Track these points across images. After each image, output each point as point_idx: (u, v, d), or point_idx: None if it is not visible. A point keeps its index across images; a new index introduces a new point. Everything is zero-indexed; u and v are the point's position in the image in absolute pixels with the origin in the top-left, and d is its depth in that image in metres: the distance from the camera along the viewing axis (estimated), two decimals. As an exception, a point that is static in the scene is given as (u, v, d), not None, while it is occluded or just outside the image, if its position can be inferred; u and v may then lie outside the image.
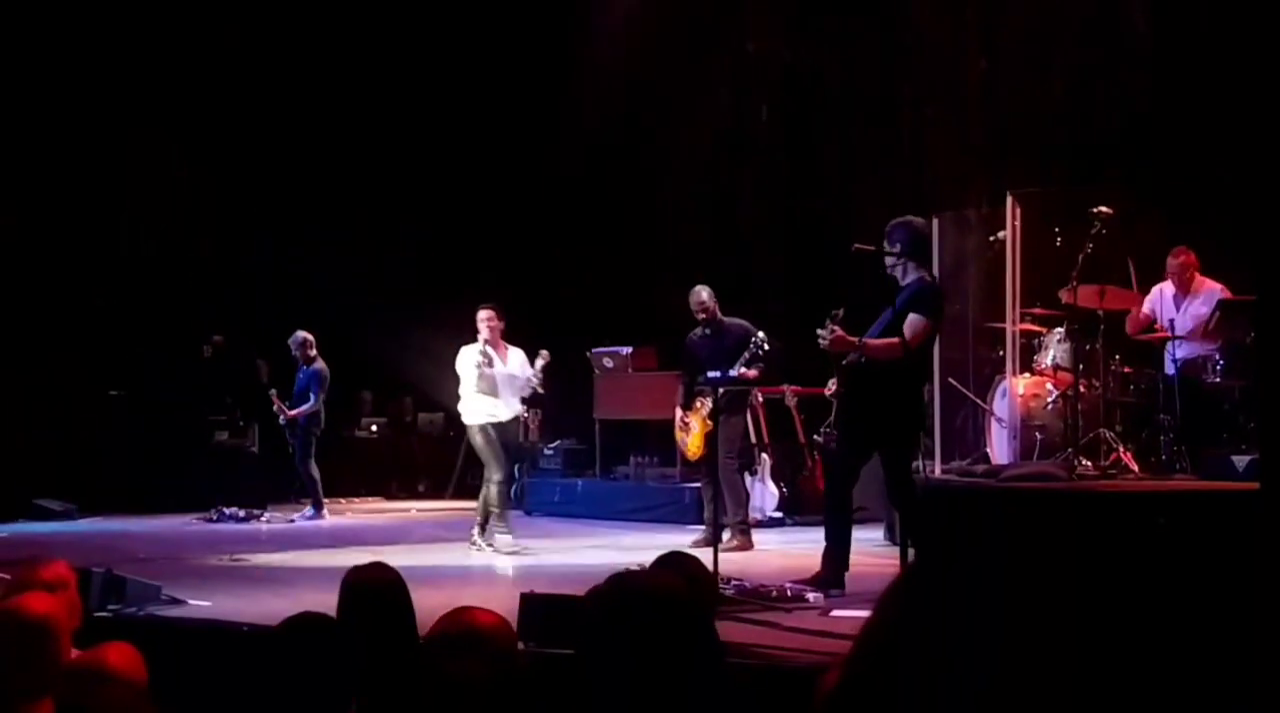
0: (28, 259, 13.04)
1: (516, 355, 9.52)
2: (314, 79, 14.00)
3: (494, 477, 9.31)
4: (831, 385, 7.29)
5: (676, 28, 13.44)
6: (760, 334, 9.02)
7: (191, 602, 6.76)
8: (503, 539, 9.31)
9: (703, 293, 9.45)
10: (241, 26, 13.74)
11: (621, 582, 2.62)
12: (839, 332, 6.81)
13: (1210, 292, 8.75)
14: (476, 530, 9.35)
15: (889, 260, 7.06)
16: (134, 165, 13.78)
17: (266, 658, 3.21)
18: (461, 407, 9.54)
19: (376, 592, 3.77)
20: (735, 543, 9.20)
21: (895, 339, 6.75)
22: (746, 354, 8.96)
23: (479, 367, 9.31)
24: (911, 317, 6.84)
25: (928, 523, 6.67)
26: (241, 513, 11.97)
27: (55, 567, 4.31)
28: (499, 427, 9.40)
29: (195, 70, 13.67)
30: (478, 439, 9.46)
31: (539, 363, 9.44)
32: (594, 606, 2.54)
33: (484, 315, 9.40)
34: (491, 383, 9.37)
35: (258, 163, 14.11)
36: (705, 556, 6.35)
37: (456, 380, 9.43)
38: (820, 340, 6.87)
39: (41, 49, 12.80)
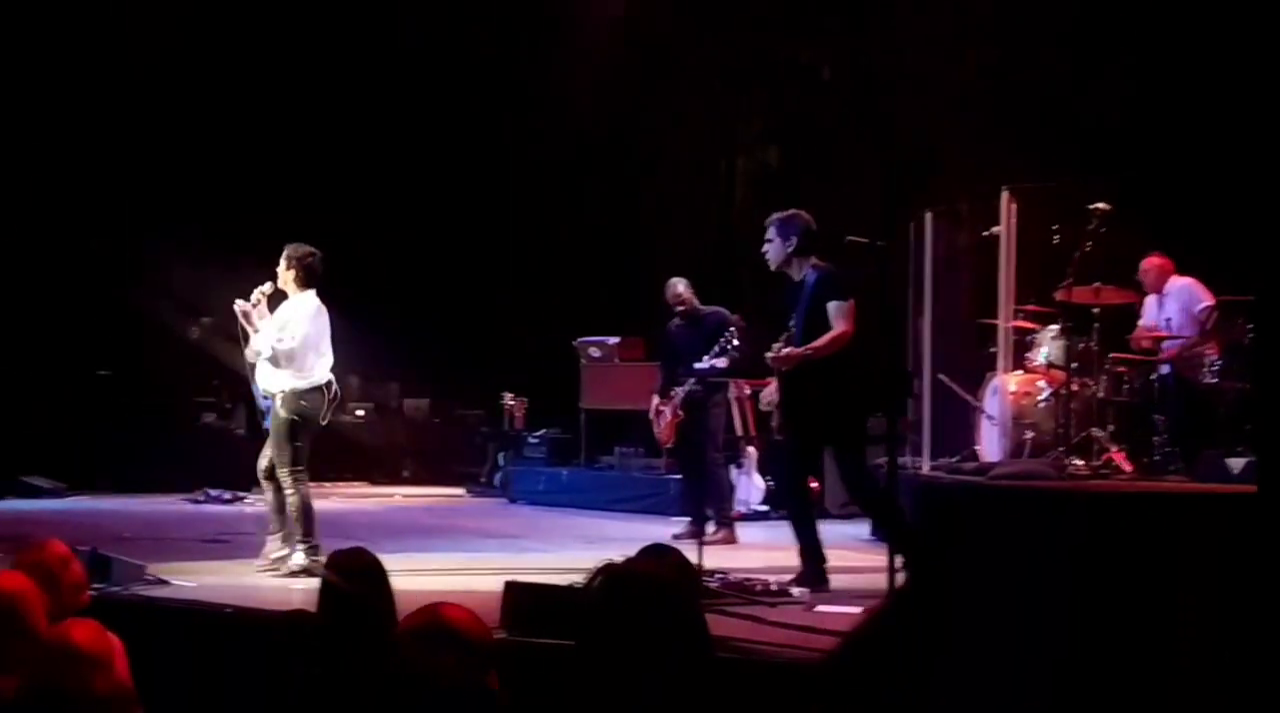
0: (15, 239, 12.96)
1: (276, 316, 7.47)
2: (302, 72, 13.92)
3: None
4: (766, 396, 7.27)
5: (668, 18, 13.40)
6: (731, 328, 8.92)
7: (175, 582, 6.74)
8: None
9: (678, 285, 9.48)
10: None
11: (617, 572, 2.60)
12: (787, 350, 6.78)
13: (1181, 287, 8.73)
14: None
15: (777, 255, 6.96)
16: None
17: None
18: None
19: (356, 576, 3.73)
20: (720, 536, 9.17)
21: (834, 332, 6.69)
22: (717, 347, 8.93)
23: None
24: (836, 304, 6.76)
25: (913, 521, 6.62)
26: (227, 495, 11.93)
27: (53, 546, 4.31)
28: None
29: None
30: None
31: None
32: (592, 596, 2.53)
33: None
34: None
35: (251, 147, 14.02)
36: (689, 548, 6.33)
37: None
38: (769, 360, 6.89)
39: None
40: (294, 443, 7.35)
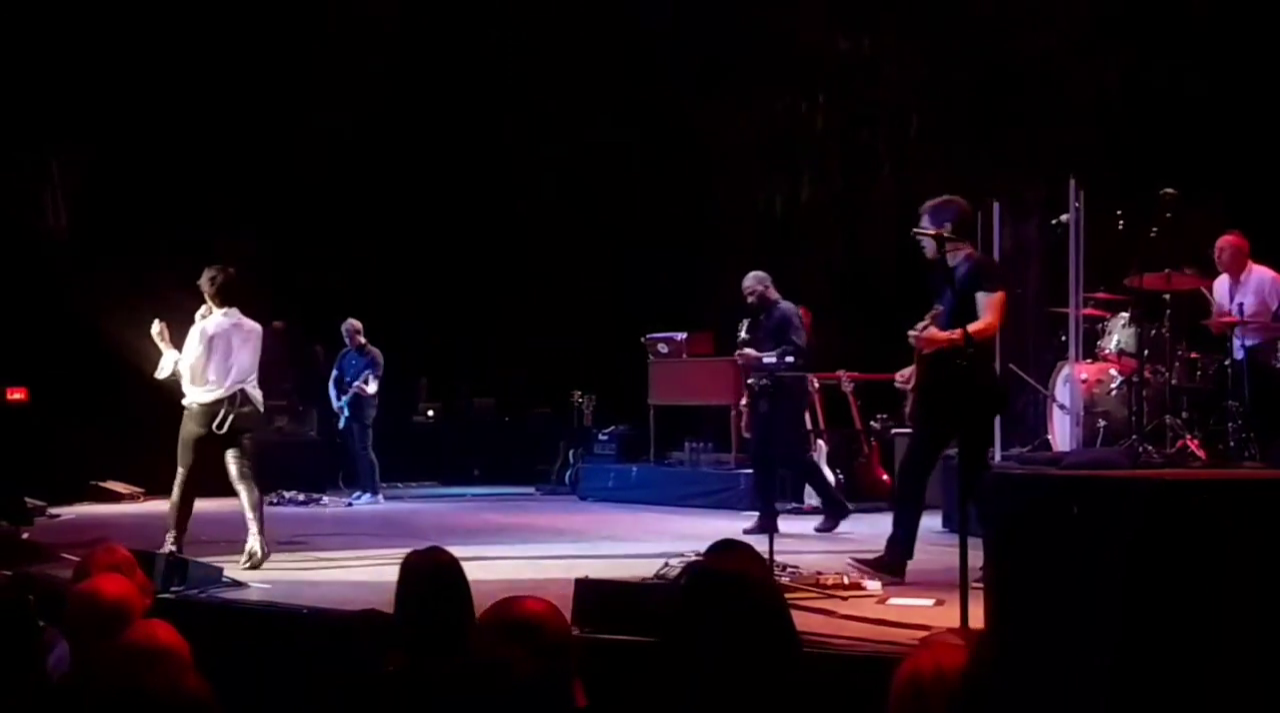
0: (90, 249, 13.20)
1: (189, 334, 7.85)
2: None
3: None
4: (902, 376, 7.04)
5: (729, 21, 13.39)
6: (743, 333, 9.34)
7: (253, 584, 6.85)
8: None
9: (748, 279, 9.53)
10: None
11: (705, 570, 2.62)
12: (931, 331, 6.56)
13: (1260, 277, 8.58)
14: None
15: (932, 243, 6.69)
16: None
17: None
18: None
19: (433, 575, 3.78)
20: (826, 524, 9.41)
21: (981, 323, 6.47)
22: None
23: None
24: (984, 295, 6.55)
25: (991, 512, 6.52)
26: (301, 497, 12.07)
27: (119, 550, 4.40)
28: None
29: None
30: None
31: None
32: (683, 594, 2.54)
33: None
34: None
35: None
36: (759, 542, 6.34)
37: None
38: (911, 338, 6.66)
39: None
40: (190, 451, 7.78)
